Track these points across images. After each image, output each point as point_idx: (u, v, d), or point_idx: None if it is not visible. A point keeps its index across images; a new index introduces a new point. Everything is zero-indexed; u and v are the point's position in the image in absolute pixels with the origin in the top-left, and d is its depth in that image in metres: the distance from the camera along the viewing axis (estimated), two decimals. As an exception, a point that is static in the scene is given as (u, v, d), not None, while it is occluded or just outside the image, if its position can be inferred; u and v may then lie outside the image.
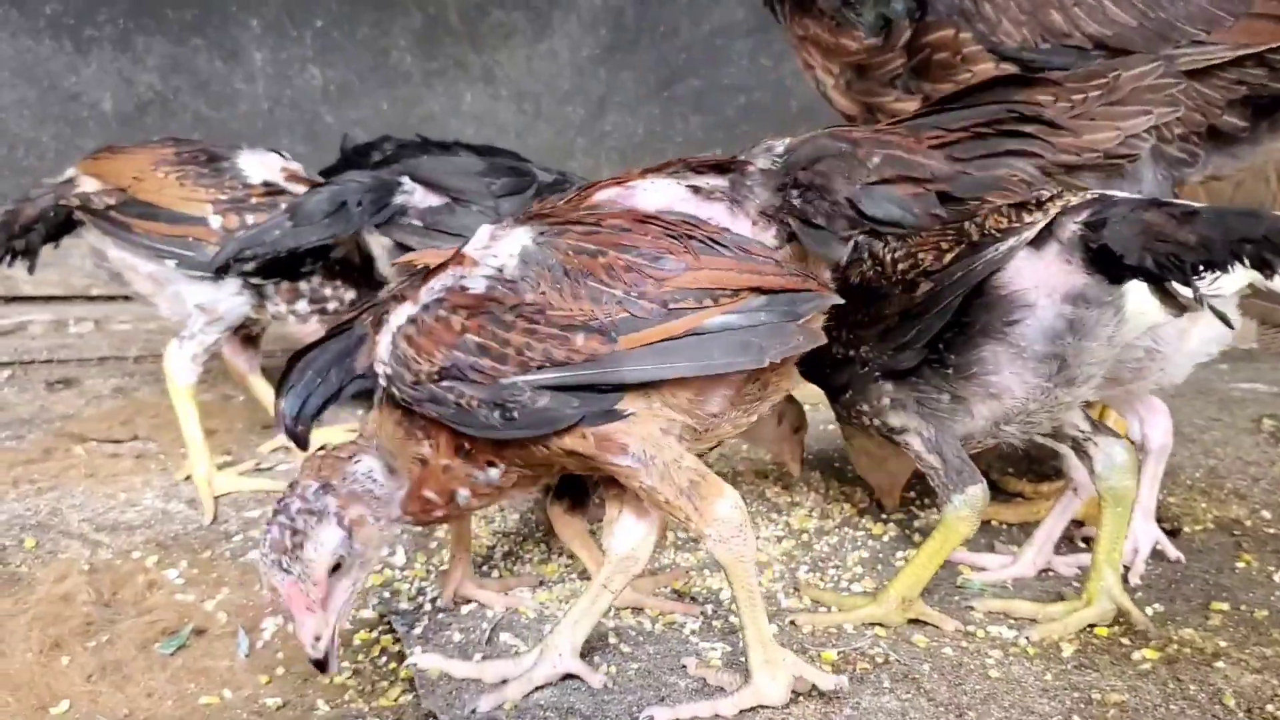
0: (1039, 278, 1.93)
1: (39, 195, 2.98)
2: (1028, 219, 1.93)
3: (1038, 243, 1.92)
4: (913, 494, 2.79)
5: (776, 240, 1.75)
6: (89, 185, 2.95)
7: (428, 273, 1.83)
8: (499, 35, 4.87)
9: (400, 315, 1.79)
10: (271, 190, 2.97)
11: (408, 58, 4.81)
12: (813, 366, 2.25)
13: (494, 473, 1.81)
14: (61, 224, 3.01)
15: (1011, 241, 1.92)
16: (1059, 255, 1.92)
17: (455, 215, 2.75)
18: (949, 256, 1.98)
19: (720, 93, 5.04)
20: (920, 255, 2.01)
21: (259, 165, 3.02)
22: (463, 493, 1.83)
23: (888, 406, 2.10)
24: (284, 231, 2.63)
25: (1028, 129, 1.69)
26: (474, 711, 1.81)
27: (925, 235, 2.03)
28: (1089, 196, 1.95)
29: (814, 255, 1.74)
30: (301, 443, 1.94)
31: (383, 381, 1.79)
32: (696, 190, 1.77)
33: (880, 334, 2.05)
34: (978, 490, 2.07)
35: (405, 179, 2.82)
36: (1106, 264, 1.88)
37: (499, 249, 1.76)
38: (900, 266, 2.04)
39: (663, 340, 1.66)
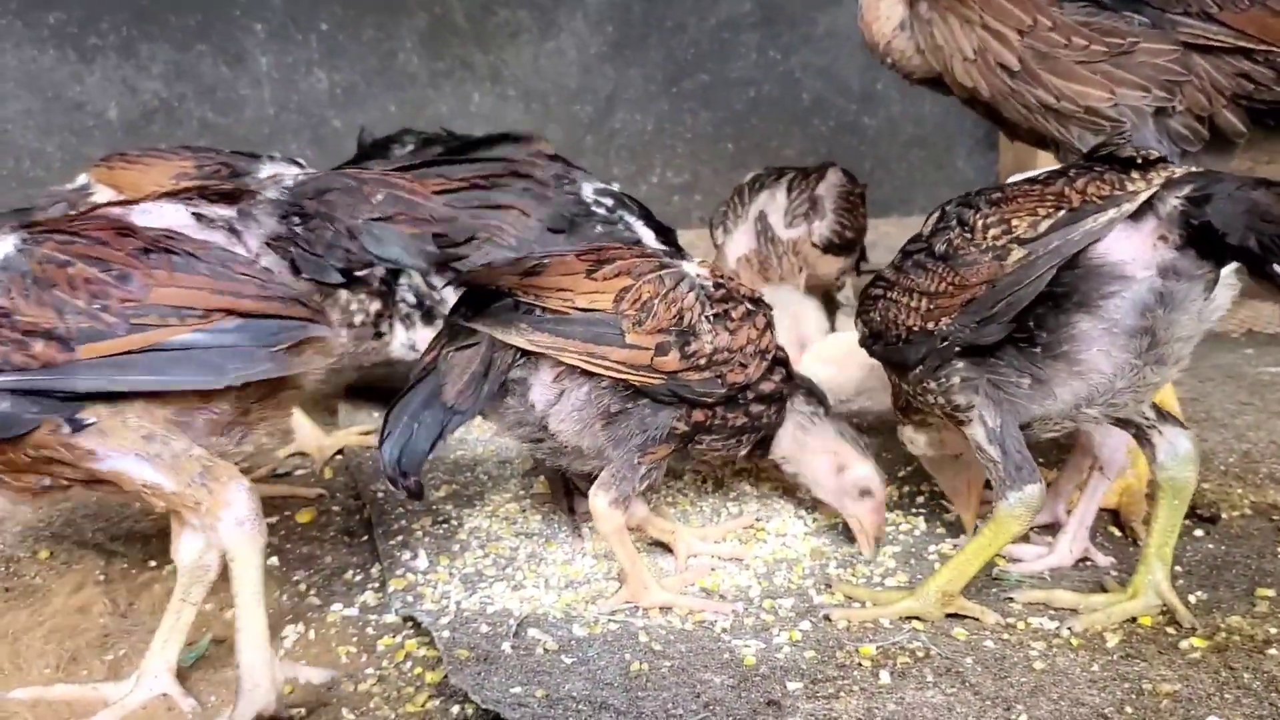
0: (1135, 250, 1.85)
1: (50, 204, 2.83)
2: (1130, 189, 1.85)
3: (1135, 214, 1.84)
4: (939, 487, 2.73)
5: (281, 268, 1.81)
6: (106, 196, 2.81)
7: None
8: (505, 34, 4.82)
9: None
10: None
11: (414, 59, 4.77)
12: (885, 341, 2.17)
13: None
14: None
15: (1113, 213, 1.83)
16: (1156, 229, 1.84)
17: None
18: (1046, 224, 1.89)
19: (729, 87, 4.99)
20: (1014, 221, 1.93)
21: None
22: None
23: (957, 386, 2.01)
24: None
25: (520, 185, 1.77)
26: None
27: (1020, 200, 1.95)
28: (1192, 170, 1.86)
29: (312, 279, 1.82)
30: (412, 491, 1.96)
31: None
32: (200, 217, 1.85)
33: (964, 305, 1.96)
34: (1035, 490, 2.00)
35: None
36: (1207, 242, 1.80)
37: None
38: (991, 232, 1.95)
39: (122, 354, 1.72)
